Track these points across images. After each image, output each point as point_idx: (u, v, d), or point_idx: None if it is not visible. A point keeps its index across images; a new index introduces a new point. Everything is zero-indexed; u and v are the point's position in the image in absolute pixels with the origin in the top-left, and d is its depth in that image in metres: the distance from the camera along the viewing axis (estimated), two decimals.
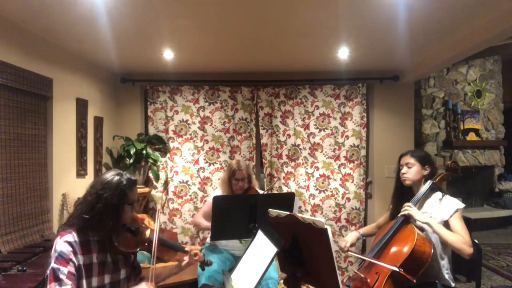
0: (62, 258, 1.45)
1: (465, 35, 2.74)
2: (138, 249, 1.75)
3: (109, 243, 1.60)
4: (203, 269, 1.93)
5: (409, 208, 2.01)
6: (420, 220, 1.97)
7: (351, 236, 2.30)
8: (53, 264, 1.44)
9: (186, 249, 1.85)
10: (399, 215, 2.04)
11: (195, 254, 1.83)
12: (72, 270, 1.45)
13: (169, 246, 1.81)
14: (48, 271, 1.44)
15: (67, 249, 1.46)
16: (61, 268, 1.43)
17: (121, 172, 1.64)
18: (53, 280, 1.42)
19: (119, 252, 1.65)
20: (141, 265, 1.88)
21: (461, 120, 5.57)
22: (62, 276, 1.42)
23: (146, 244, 1.71)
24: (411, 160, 2.13)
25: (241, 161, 2.90)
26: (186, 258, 1.82)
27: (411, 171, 2.13)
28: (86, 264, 1.52)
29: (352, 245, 2.23)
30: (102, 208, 1.53)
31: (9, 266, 1.99)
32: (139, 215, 1.84)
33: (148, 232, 1.74)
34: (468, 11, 2.32)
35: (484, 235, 5.39)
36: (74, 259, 1.47)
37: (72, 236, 1.50)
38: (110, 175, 1.61)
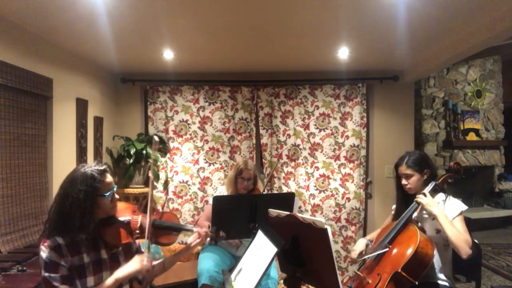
0: (50, 265, 1.41)
1: (465, 35, 2.74)
2: (133, 239, 1.69)
3: (98, 239, 1.56)
4: (216, 243, 1.87)
5: (422, 197, 2.00)
6: (429, 210, 1.95)
7: (360, 244, 2.23)
8: (43, 274, 1.41)
9: (190, 227, 1.78)
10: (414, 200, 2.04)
11: (204, 232, 1.75)
12: (65, 272, 1.42)
13: (167, 228, 1.74)
14: (41, 281, 1.41)
15: (51, 255, 1.42)
16: (52, 275, 1.40)
17: (89, 164, 1.56)
18: None
19: (114, 246, 1.61)
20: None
21: (461, 120, 5.57)
22: (56, 284, 1.39)
23: (139, 231, 1.64)
24: (408, 171, 2.10)
25: (250, 161, 2.89)
26: (193, 237, 1.75)
27: (411, 181, 2.10)
28: (76, 265, 1.48)
29: (360, 253, 2.18)
30: (69, 206, 1.46)
31: (9, 266, 1.99)
32: (130, 204, 1.80)
33: (140, 220, 1.67)
34: (468, 11, 2.32)
35: (484, 235, 5.39)
36: (62, 262, 1.43)
37: (54, 241, 1.46)
38: (76, 170, 1.54)
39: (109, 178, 1.58)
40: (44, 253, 1.44)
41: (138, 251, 1.77)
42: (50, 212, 1.54)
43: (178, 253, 1.84)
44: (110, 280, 1.51)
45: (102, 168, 1.56)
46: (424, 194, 2.01)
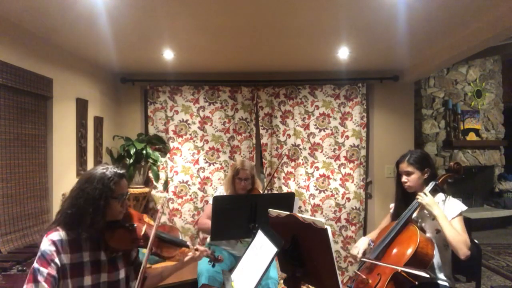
0: (44, 259, 1.43)
1: (465, 35, 2.74)
2: (135, 247, 1.70)
3: (101, 240, 1.56)
4: (213, 266, 1.89)
5: (423, 197, 2.00)
6: (429, 210, 1.96)
7: (362, 243, 2.19)
8: (34, 264, 1.42)
9: (188, 243, 1.79)
10: (414, 201, 2.04)
11: (203, 250, 1.76)
12: (53, 272, 1.42)
13: (169, 242, 1.75)
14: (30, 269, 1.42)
15: (50, 249, 1.44)
16: (41, 269, 1.41)
17: (109, 166, 1.59)
18: (31, 281, 1.39)
19: (115, 250, 1.61)
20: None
21: (461, 120, 5.57)
22: (40, 278, 1.39)
23: (142, 240, 1.65)
24: (409, 168, 2.10)
25: (246, 161, 2.89)
26: (190, 254, 1.75)
27: (412, 179, 2.11)
28: (74, 263, 1.48)
29: (364, 252, 2.14)
30: (83, 202, 1.48)
31: (9, 266, 1.99)
32: (137, 212, 1.81)
33: (144, 228, 1.68)
34: (468, 11, 2.32)
35: (484, 235, 5.39)
36: (56, 259, 1.44)
37: (58, 235, 1.47)
38: (96, 169, 1.57)
39: (125, 183, 1.62)
40: (43, 245, 1.45)
41: (137, 258, 1.77)
42: (62, 205, 1.56)
43: (175, 266, 1.81)
44: None
45: (121, 172, 1.60)
46: (425, 194, 2.01)
